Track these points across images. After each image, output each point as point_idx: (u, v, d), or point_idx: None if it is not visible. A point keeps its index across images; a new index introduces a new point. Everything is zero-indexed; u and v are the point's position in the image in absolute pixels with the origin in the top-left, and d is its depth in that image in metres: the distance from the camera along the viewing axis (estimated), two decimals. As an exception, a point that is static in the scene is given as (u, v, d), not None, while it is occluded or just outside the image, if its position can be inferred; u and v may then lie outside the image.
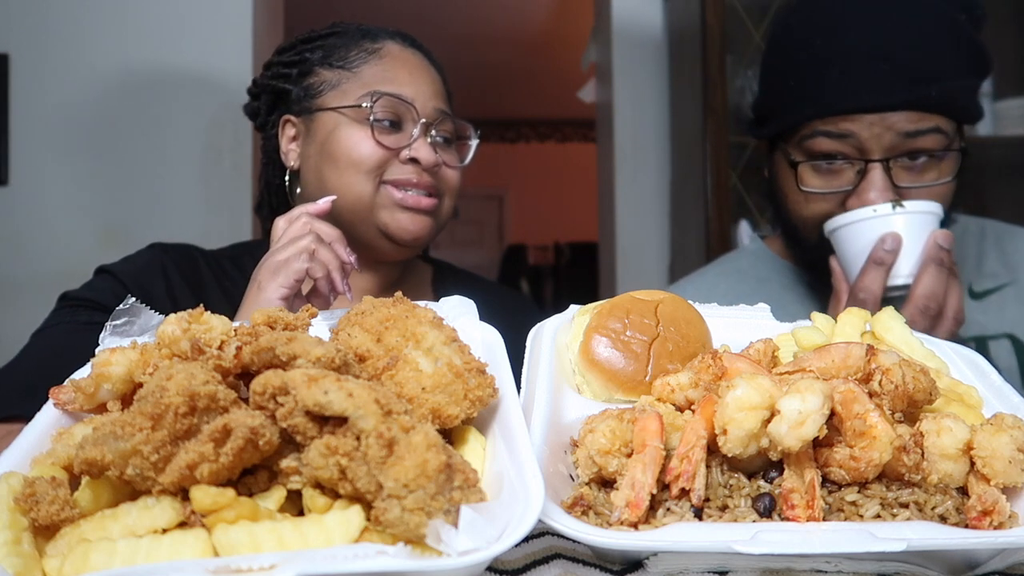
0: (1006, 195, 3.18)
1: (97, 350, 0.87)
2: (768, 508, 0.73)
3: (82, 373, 0.88)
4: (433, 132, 1.55)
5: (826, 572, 0.70)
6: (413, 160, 1.51)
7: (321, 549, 0.61)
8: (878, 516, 0.73)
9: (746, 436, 0.72)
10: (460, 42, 7.05)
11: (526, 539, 0.70)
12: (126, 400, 0.82)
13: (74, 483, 0.71)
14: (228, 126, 3.18)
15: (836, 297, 1.53)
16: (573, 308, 1.06)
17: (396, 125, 1.53)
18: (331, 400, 0.65)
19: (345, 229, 1.44)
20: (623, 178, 3.56)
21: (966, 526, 0.72)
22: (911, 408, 0.83)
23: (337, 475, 0.65)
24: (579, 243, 8.43)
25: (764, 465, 0.77)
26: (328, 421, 0.67)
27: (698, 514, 0.73)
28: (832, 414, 0.75)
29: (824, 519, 0.72)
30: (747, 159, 3.17)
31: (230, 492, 0.64)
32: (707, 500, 0.74)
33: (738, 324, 1.10)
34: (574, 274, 8.40)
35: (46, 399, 0.85)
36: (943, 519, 0.73)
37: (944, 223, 1.50)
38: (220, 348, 0.78)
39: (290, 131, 1.62)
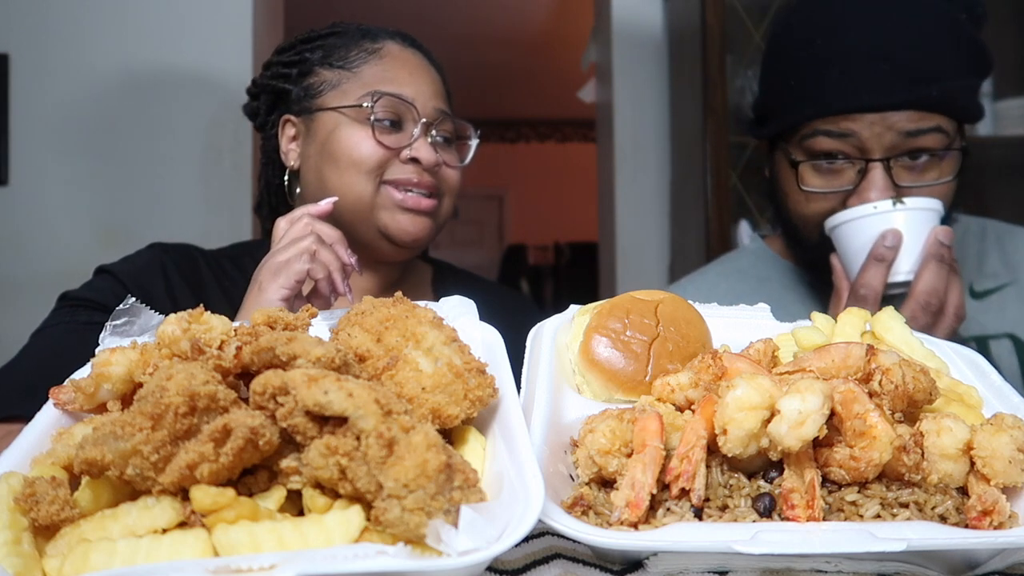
0: (1006, 195, 3.18)
1: (97, 350, 0.87)
2: (768, 508, 0.73)
3: (82, 373, 0.88)
4: (433, 132, 1.56)
5: (826, 572, 0.70)
6: (414, 160, 1.51)
7: (321, 549, 0.61)
8: (878, 516, 0.73)
9: (746, 436, 0.72)
10: (460, 42, 7.05)
11: (526, 539, 0.70)
12: (126, 400, 0.82)
13: (74, 483, 0.71)
14: (228, 126, 3.18)
15: (837, 294, 1.53)
16: (573, 308, 1.06)
17: (397, 125, 1.53)
18: (331, 400, 0.65)
19: (345, 229, 1.44)
20: (623, 178, 3.56)
21: (966, 526, 0.72)
22: (911, 408, 0.83)
23: (337, 475, 0.65)
24: (579, 243, 8.44)
25: (764, 465, 0.77)
26: (328, 421, 0.67)
27: (698, 514, 0.73)
28: (832, 414, 0.75)
29: (824, 519, 0.72)
30: (747, 159, 3.17)
31: (230, 492, 0.64)
32: (707, 500, 0.74)
33: (738, 324, 1.10)
34: (574, 274, 8.40)
35: (46, 399, 0.85)
36: (943, 519, 0.73)
37: (945, 222, 1.50)
38: (220, 348, 0.78)
39: (290, 131, 1.62)
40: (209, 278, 1.56)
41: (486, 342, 0.94)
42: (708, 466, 0.75)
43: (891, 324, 1.00)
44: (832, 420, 0.76)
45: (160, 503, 0.66)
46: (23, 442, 0.79)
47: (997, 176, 3.16)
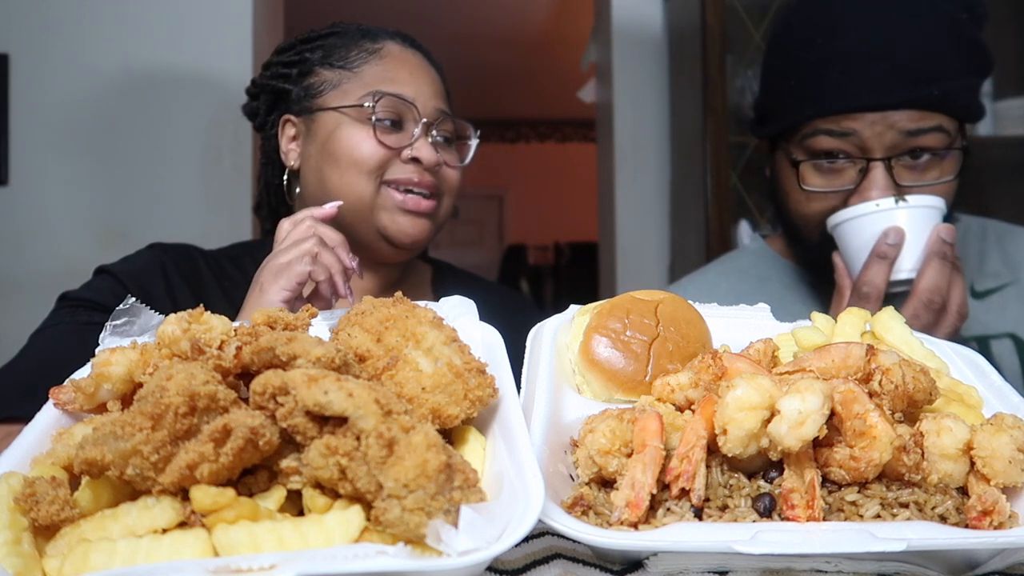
0: (1006, 195, 3.18)
1: (97, 350, 0.87)
2: (768, 508, 0.73)
3: (82, 373, 0.88)
4: (434, 132, 1.56)
5: (826, 572, 0.70)
6: (415, 160, 1.51)
7: (321, 549, 0.61)
8: (878, 516, 0.73)
9: (746, 436, 0.72)
10: (460, 42, 7.05)
11: (526, 539, 0.70)
12: (126, 400, 0.82)
13: (74, 483, 0.71)
14: (228, 126, 3.18)
15: (839, 292, 1.53)
16: (573, 308, 1.06)
17: (397, 125, 1.53)
18: (331, 400, 0.65)
19: (344, 230, 1.44)
20: (623, 178, 3.56)
21: (966, 526, 0.72)
22: (911, 408, 0.83)
23: (337, 475, 0.65)
24: (579, 243, 8.44)
25: (764, 465, 0.77)
26: (328, 421, 0.67)
27: (698, 514, 0.73)
28: (832, 414, 0.75)
29: (824, 519, 0.72)
30: (747, 159, 3.17)
31: (230, 492, 0.64)
32: (707, 500, 0.74)
33: (738, 324, 1.10)
34: (574, 274, 8.40)
35: (46, 400, 0.85)
36: (943, 519, 0.73)
37: (947, 220, 1.50)
38: (220, 348, 0.78)
39: (290, 131, 1.62)
40: (209, 278, 1.56)
41: (486, 342, 0.94)
42: (708, 466, 0.75)
43: (891, 324, 1.00)
44: (832, 420, 0.76)
45: (160, 503, 0.66)
46: (23, 442, 0.79)
47: (997, 176, 3.15)
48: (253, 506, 0.65)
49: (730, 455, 0.74)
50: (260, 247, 1.62)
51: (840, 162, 1.54)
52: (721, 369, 0.84)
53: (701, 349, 0.97)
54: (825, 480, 0.76)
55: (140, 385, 0.79)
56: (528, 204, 10.48)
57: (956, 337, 1.41)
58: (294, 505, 0.70)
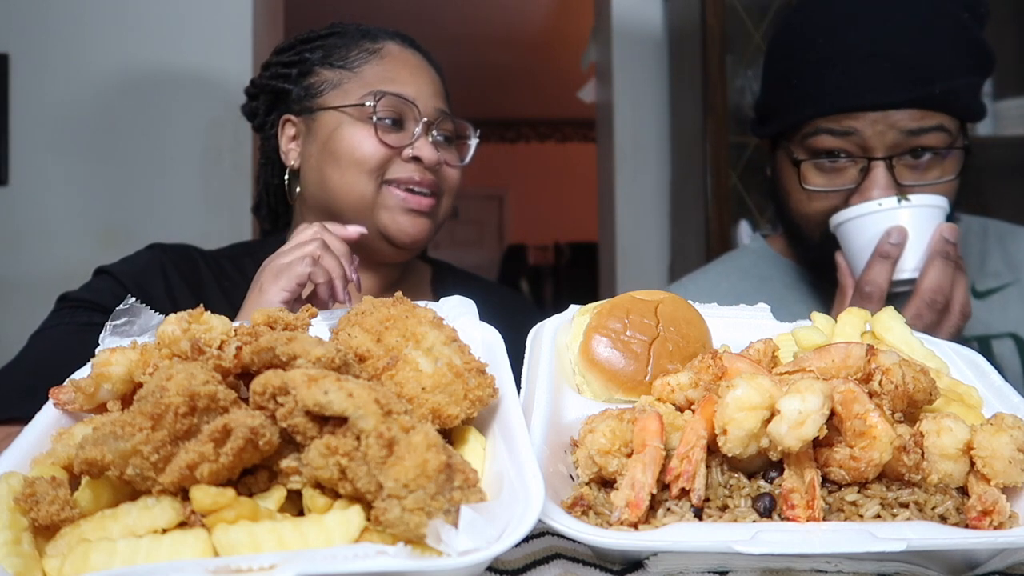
0: (1006, 195, 3.18)
1: (97, 350, 0.87)
2: (768, 508, 0.73)
3: (82, 373, 0.88)
4: (434, 131, 1.56)
5: (826, 572, 0.70)
6: (415, 159, 1.52)
7: (321, 549, 0.61)
8: (878, 516, 0.73)
9: (746, 436, 0.72)
10: (460, 42, 7.05)
11: (526, 539, 0.70)
12: (126, 400, 0.82)
13: (74, 483, 0.71)
14: (228, 126, 3.18)
15: (842, 292, 1.53)
16: (573, 308, 1.06)
17: (398, 124, 1.54)
18: (331, 400, 0.65)
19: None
20: (623, 178, 3.56)
21: (966, 526, 0.72)
22: (911, 408, 0.83)
23: (337, 475, 0.65)
24: (579, 243, 8.44)
25: (764, 465, 0.77)
26: (328, 421, 0.67)
27: (698, 514, 0.73)
28: (832, 414, 0.75)
29: (824, 519, 0.72)
30: (747, 159, 3.17)
31: (230, 492, 0.64)
32: (707, 500, 0.74)
33: (738, 324, 1.10)
34: (574, 274, 8.40)
35: (46, 400, 0.85)
36: (943, 519, 0.73)
37: (949, 220, 1.50)
38: (220, 348, 0.78)
39: (290, 131, 1.62)
40: (208, 278, 1.56)
41: (486, 342, 0.93)
42: (708, 466, 0.75)
43: (891, 324, 1.00)
44: (832, 420, 0.76)
45: (160, 503, 0.66)
46: (23, 442, 0.78)
47: (997, 176, 3.15)
48: (253, 506, 0.65)
49: (730, 455, 0.74)
50: (260, 247, 1.62)
51: (841, 161, 1.54)
52: (721, 369, 0.84)
53: (701, 349, 0.97)
54: (825, 480, 0.76)
55: (140, 385, 0.79)
56: (528, 204, 10.48)
57: (958, 337, 1.41)
58: (294, 505, 0.70)
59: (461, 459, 0.69)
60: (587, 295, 2.74)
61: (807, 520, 0.71)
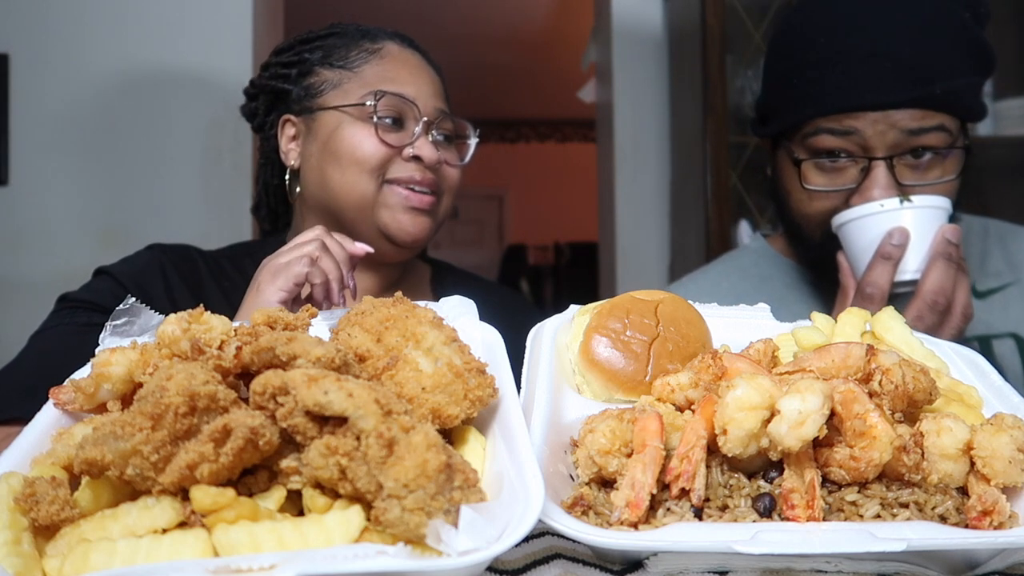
0: (1006, 195, 3.18)
1: (97, 350, 0.87)
2: (768, 508, 0.73)
3: (82, 373, 0.88)
4: (434, 131, 1.56)
5: (826, 572, 0.70)
6: (416, 158, 1.52)
7: (321, 549, 0.61)
8: (878, 516, 0.73)
9: (746, 436, 0.72)
10: (460, 42, 7.05)
11: (526, 539, 0.70)
12: (126, 400, 0.82)
13: (74, 483, 0.71)
14: (228, 126, 3.18)
15: (843, 292, 1.53)
16: (573, 308, 1.06)
17: (398, 123, 1.54)
18: (331, 400, 0.65)
19: (345, 230, 1.44)
20: (623, 178, 3.56)
21: (966, 526, 0.72)
22: (911, 408, 0.83)
23: (337, 475, 0.65)
24: (579, 243, 8.44)
25: (764, 465, 0.77)
26: (328, 421, 0.67)
27: (698, 514, 0.73)
28: (832, 414, 0.75)
29: (824, 519, 0.72)
30: (747, 159, 3.17)
31: (230, 492, 0.64)
32: (707, 500, 0.74)
33: (738, 324, 1.10)
34: (574, 274, 8.40)
35: (46, 400, 0.85)
36: (943, 519, 0.73)
37: (951, 221, 1.50)
38: (220, 348, 0.77)
39: (290, 131, 1.62)
40: (208, 279, 1.56)
41: (486, 342, 0.93)
42: (708, 466, 0.75)
43: (891, 324, 1.00)
44: (832, 420, 0.76)
45: (160, 503, 0.65)
46: (23, 442, 0.78)
47: (997, 176, 3.16)
48: (253, 506, 0.65)
49: (730, 455, 0.74)
50: (259, 248, 1.62)
51: (842, 161, 1.53)
52: (721, 369, 0.84)
53: (701, 349, 0.97)
54: (825, 480, 0.76)
55: (140, 385, 0.79)
56: (528, 204, 10.48)
57: (960, 335, 1.41)
58: (294, 505, 0.70)
59: (461, 459, 0.69)
60: (587, 295, 2.74)
61: (807, 520, 0.71)
